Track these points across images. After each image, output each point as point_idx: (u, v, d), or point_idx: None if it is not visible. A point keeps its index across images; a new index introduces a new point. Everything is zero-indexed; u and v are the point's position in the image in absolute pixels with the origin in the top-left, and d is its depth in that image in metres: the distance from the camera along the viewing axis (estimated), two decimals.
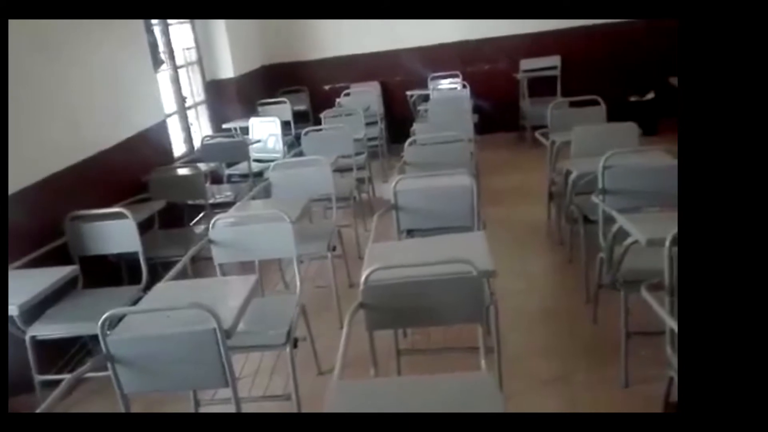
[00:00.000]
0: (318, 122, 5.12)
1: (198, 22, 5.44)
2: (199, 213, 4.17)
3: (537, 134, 4.01)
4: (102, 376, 2.34)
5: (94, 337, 2.90)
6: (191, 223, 4.14)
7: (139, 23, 4.13)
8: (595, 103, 3.93)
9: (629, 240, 2.06)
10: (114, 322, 1.76)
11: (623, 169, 2.67)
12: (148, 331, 1.73)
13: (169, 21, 4.94)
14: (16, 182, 2.75)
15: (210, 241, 2.55)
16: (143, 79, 4.13)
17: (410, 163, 3.47)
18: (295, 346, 2.21)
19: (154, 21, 4.66)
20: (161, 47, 4.82)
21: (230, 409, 1.89)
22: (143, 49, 4.18)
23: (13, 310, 2.18)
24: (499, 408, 1.25)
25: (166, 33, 4.87)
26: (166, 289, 2.10)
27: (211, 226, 2.55)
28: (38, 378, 2.52)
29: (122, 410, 1.81)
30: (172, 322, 1.79)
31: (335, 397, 1.35)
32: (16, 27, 2.80)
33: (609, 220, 2.58)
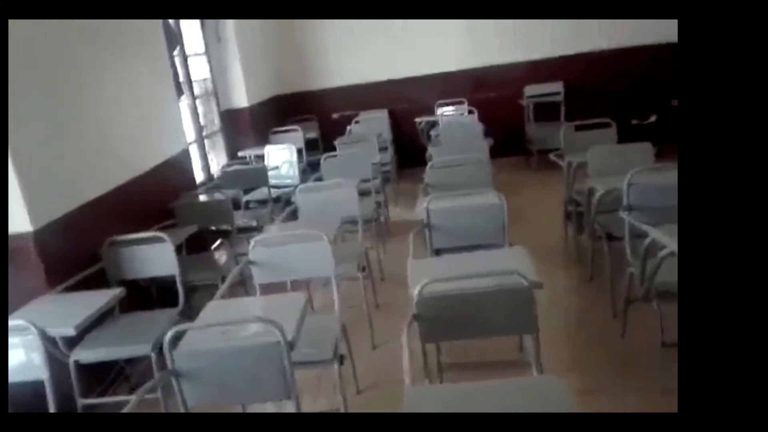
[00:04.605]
0: (327, 150, 5.22)
1: (213, 53, 5.59)
2: (219, 238, 4.24)
3: (552, 156, 4.13)
4: (150, 398, 2.39)
5: (130, 361, 2.95)
6: (212, 248, 4.20)
7: (164, 52, 4.22)
8: (603, 126, 4.08)
9: (665, 251, 2.15)
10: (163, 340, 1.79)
11: (648, 186, 2.77)
12: (213, 345, 1.78)
13: (188, 52, 5.06)
14: (53, 211, 2.80)
15: (250, 262, 2.61)
16: (169, 107, 4.23)
17: (432, 185, 3.56)
18: (341, 362, 2.26)
19: (174, 52, 4.78)
20: (181, 77, 4.94)
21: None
22: (168, 78, 4.28)
23: (68, 330, 2.22)
24: (573, 407, 1.31)
25: (185, 63, 4.99)
26: (218, 308, 2.15)
27: (251, 247, 2.61)
28: (81, 402, 2.54)
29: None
30: (227, 338, 1.84)
31: (413, 402, 1.40)
32: (51, 54, 2.91)
33: (635, 235, 2.68)
